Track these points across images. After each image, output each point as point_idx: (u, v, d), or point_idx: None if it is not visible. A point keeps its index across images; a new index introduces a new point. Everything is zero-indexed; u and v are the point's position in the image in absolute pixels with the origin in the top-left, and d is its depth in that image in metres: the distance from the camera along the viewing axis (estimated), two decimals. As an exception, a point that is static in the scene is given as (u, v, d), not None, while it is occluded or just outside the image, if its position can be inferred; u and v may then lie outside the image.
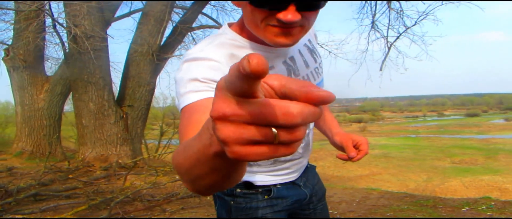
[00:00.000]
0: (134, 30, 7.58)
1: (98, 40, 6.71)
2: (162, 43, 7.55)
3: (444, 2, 7.97)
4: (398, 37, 8.69)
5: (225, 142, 0.44)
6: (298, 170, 1.29)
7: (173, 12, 8.21)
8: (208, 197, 4.82)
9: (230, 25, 1.09)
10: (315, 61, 1.19)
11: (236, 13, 9.77)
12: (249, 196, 1.20)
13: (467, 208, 4.30)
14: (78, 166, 6.54)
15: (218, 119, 0.44)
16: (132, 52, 7.33)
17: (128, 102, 7.23)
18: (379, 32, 8.86)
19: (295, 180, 1.29)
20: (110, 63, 7.48)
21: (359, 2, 9.67)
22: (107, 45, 7.23)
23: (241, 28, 1.05)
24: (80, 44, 6.37)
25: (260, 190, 1.21)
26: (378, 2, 8.68)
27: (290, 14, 0.87)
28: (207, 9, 8.90)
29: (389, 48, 8.80)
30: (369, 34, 8.93)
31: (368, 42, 8.97)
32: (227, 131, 0.44)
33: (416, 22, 8.34)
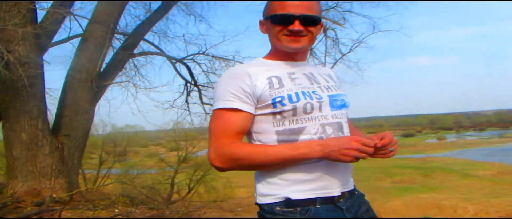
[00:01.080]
0: (73, 57, 7.26)
1: (33, 66, 6.34)
2: (101, 69, 7.29)
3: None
4: (334, 64, 9.27)
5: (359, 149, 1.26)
6: (337, 176, 1.37)
7: (114, 38, 7.98)
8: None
9: None
10: (335, 83, 1.54)
11: (178, 40, 9.57)
12: (288, 215, 1.31)
13: (408, 231, 4.44)
14: (7, 202, 6.05)
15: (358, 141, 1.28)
16: (69, 79, 6.99)
17: (65, 132, 6.84)
18: (317, 59, 9.35)
19: (337, 201, 1.37)
20: (46, 91, 7.09)
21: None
22: (43, 72, 6.85)
23: (269, 56, 1.52)
24: (13, 71, 5.98)
25: (298, 208, 1.31)
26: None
27: (296, 26, 1.37)
28: (149, 35, 8.75)
29: (327, 75, 9.24)
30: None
31: (307, 68, 9.35)
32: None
33: (350, 49, 8.96)
